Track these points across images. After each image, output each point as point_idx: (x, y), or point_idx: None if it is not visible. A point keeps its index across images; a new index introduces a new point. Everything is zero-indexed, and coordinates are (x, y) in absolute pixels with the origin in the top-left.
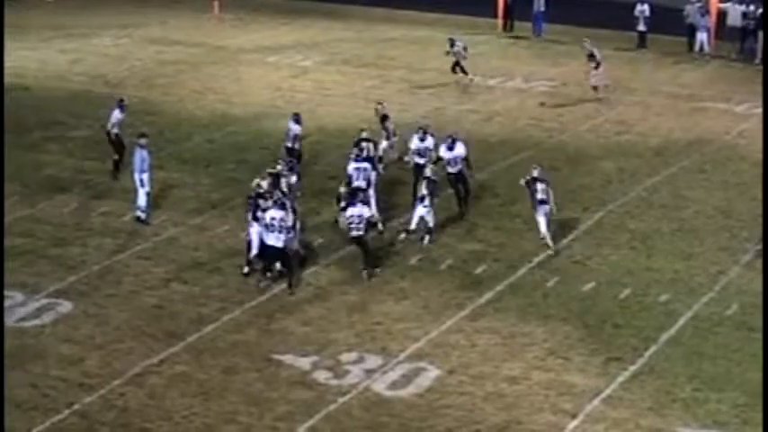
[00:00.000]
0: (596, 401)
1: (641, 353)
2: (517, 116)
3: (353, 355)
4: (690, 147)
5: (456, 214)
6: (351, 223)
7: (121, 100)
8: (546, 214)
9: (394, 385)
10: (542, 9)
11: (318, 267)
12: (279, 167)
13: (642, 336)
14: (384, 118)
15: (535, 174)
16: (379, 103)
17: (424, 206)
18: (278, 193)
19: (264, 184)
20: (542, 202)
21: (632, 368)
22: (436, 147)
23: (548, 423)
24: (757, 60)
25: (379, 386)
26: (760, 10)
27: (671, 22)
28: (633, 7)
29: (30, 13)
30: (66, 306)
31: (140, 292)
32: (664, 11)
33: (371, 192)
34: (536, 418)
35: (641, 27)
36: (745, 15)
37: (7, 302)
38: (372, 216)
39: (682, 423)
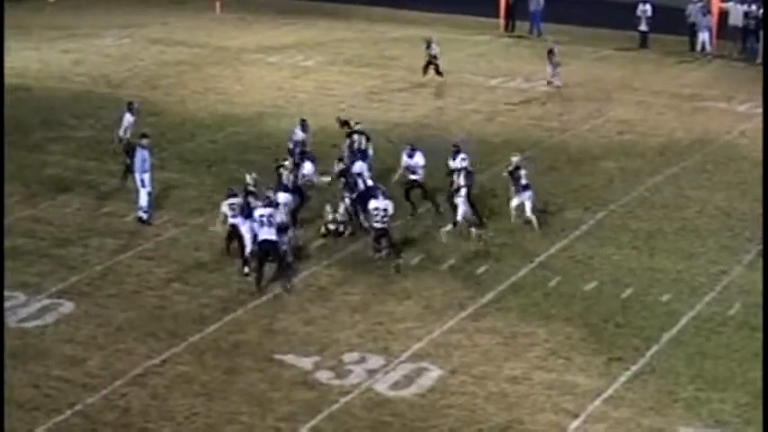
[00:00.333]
0: (598, 401)
1: (643, 353)
2: (519, 116)
3: (355, 355)
4: (692, 146)
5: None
6: (376, 216)
7: (131, 103)
8: (530, 198)
9: (396, 385)
10: (540, 8)
11: (320, 267)
12: (286, 163)
13: (644, 335)
14: (345, 124)
15: (515, 160)
16: (342, 110)
17: (459, 197)
18: (270, 192)
19: (250, 179)
20: (526, 187)
21: (634, 368)
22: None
23: (549, 423)
24: (759, 60)
25: (382, 386)
26: (761, 10)
27: (673, 22)
28: (635, 7)
29: (32, 14)
30: (68, 306)
31: (142, 292)
32: (665, 10)
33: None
34: (538, 418)
35: (643, 27)
36: (746, 15)
37: (9, 303)
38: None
39: (684, 423)
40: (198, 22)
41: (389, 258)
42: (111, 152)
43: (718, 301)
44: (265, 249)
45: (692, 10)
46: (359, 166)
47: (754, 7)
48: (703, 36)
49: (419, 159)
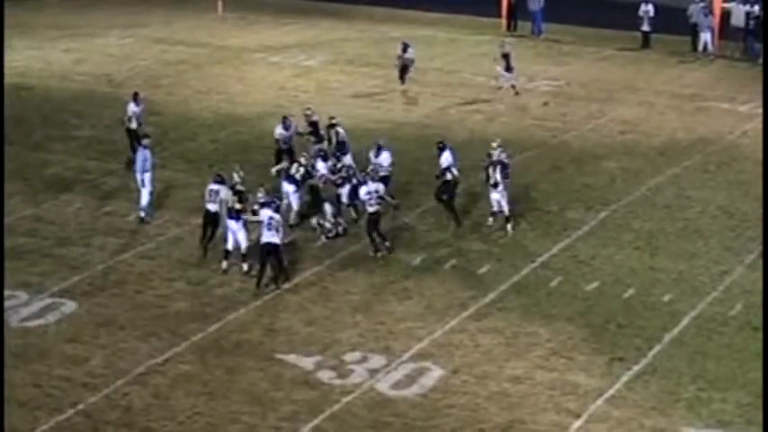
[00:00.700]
0: (600, 401)
1: (645, 353)
2: (521, 116)
3: (357, 355)
4: (694, 146)
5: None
6: (370, 199)
7: (136, 93)
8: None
9: (398, 385)
10: (540, 7)
11: (322, 267)
12: (302, 160)
13: (646, 335)
14: (313, 124)
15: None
16: (308, 109)
17: (498, 191)
18: (263, 192)
19: (238, 177)
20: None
21: (636, 368)
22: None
23: (551, 423)
24: (760, 60)
25: (383, 386)
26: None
27: (675, 22)
28: (637, 7)
29: (34, 13)
30: (70, 306)
31: (144, 291)
32: (667, 11)
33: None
34: (540, 418)
35: (645, 27)
36: (748, 15)
37: (11, 302)
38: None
39: (685, 423)
40: (200, 22)
41: (381, 244)
42: (112, 151)
43: (720, 301)
44: (267, 251)
45: (694, 10)
46: (348, 159)
47: (756, 8)
48: (705, 36)
49: (385, 159)
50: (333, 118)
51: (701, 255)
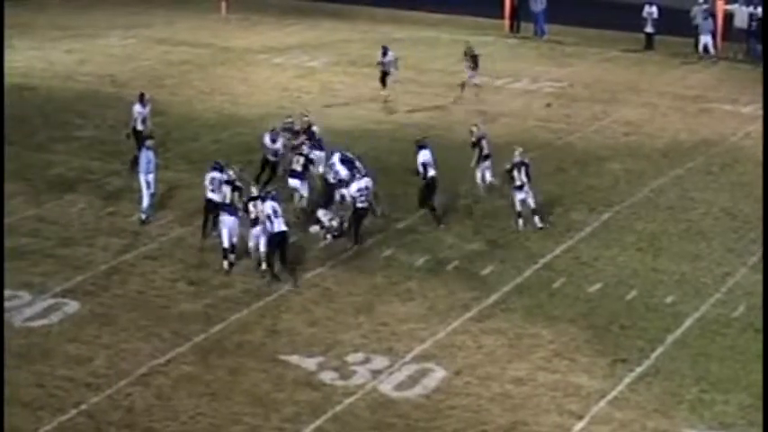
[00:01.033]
0: (602, 403)
1: (647, 354)
2: (524, 117)
3: (360, 356)
4: (696, 148)
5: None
6: (361, 195)
7: (142, 94)
8: (488, 168)
9: (400, 386)
10: (543, 8)
11: (324, 268)
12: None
13: (648, 337)
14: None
15: (476, 131)
16: (305, 116)
17: (525, 191)
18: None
19: (234, 173)
20: (487, 157)
21: (638, 369)
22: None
23: (554, 424)
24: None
25: (386, 387)
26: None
27: (678, 24)
28: (640, 9)
29: (37, 13)
30: (72, 306)
31: (147, 292)
32: (671, 12)
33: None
34: (542, 420)
35: (649, 29)
36: (751, 17)
37: (14, 302)
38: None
39: (688, 425)
40: (203, 23)
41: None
42: (115, 152)
43: (722, 302)
44: (278, 241)
45: (697, 12)
46: (336, 157)
47: (760, 9)
48: (705, 39)
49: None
50: (306, 116)
51: (703, 256)
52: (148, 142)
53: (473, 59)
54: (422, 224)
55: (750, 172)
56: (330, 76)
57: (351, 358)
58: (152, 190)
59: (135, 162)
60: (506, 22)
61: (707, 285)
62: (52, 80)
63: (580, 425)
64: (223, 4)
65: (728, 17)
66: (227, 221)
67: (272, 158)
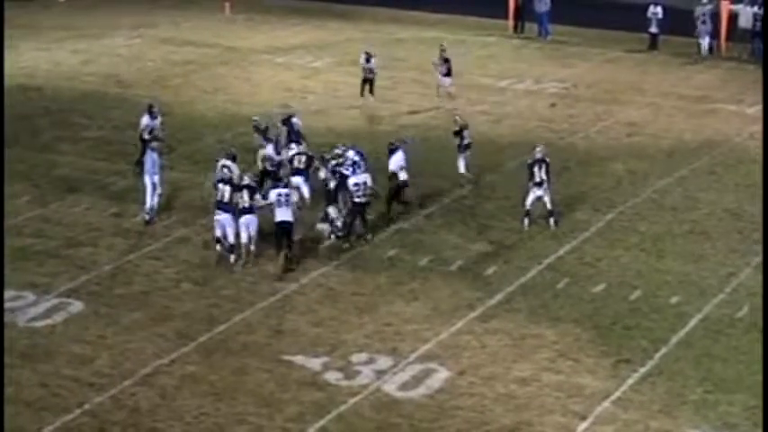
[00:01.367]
0: (606, 403)
1: (651, 355)
2: (528, 118)
3: (364, 356)
4: (701, 148)
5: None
6: (357, 190)
7: (151, 105)
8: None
9: (404, 386)
10: (547, 9)
11: (329, 268)
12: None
13: (652, 337)
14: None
15: (460, 121)
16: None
17: (543, 189)
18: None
19: (229, 168)
20: (467, 146)
21: (642, 370)
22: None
23: (558, 425)
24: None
25: (390, 387)
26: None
27: (683, 24)
28: (644, 9)
29: (42, 14)
30: (77, 306)
31: (151, 292)
32: (675, 12)
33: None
34: (546, 420)
35: (653, 29)
36: (755, 17)
37: (18, 302)
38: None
39: (692, 425)
40: (207, 23)
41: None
42: (120, 152)
43: (726, 303)
44: (282, 230)
45: (701, 12)
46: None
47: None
48: (704, 42)
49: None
50: (288, 106)
51: (707, 257)
52: (154, 143)
53: (446, 64)
54: (426, 224)
55: (754, 172)
56: (334, 77)
57: (355, 358)
58: (159, 191)
59: (139, 164)
60: (510, 22)
61: (711, 286)
62: (57, 80)
63: (584, 425)
64: (227, 5)
65: (733, 17)
66: (222, 219)
67: (271, 168)
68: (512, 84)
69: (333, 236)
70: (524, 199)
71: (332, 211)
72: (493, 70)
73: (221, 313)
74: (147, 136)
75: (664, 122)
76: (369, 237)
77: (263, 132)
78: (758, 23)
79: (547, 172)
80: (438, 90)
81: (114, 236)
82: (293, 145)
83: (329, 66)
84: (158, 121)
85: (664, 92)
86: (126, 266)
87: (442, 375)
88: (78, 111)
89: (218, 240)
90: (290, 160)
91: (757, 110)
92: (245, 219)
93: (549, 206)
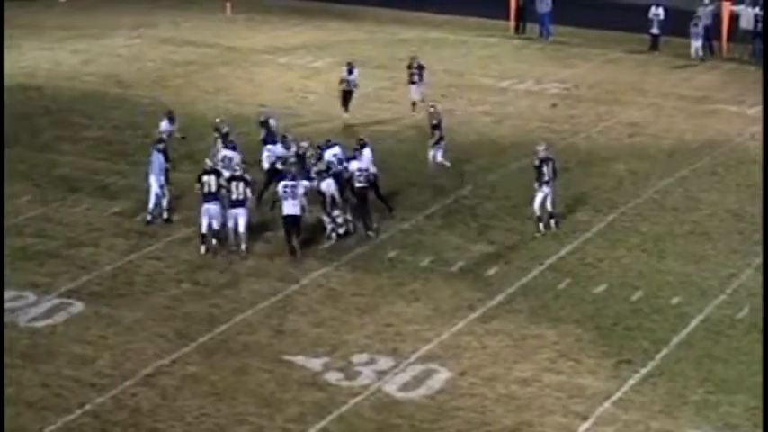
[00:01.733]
0: (607, 404)
1: (652, 355)
2: (529, 118)
3: (365, 357)
4: (702, 149)
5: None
6: (360, 175)
7: (170, 112)
8: (441, 149)
9: (405, 387)
10: (548, 9)
11: (330, 269)
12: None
13: (653, 338)
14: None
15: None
16: (262, 106)
17: (550, 187)
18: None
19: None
20: (441, 139)
21: (643, 371)
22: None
23: (559, 425)
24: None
25: (391, 387)
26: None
27: (684, 25)
28: (645, 10)
29: (42, 14)
30: (77, 306)
31: (152, 292)
32: (677, 13)
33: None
34: (547, 421)
35: (655, 30)
36: (756, 18)
37: (19, 302)
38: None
39: (693, 426)
40: (208, 23)
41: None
42: (121, 152)
43: (727, 303)
44: (289, 223)
45: (703, 13)
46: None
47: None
48: (696, 44)
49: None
50: (263, 105)
51: (708, 257)
52: (159, 145)
53: (419, 71)
54: (427, 225)
55: (755, 173)
56: (335, 77)
57: (356, 359)
58: (162, 191)
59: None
60: (511, 23)
61: (712, 287)
62: (58, 80)
63: (585, 426)
64: (228, 5)
65: (735, 18)
66: (211, 210)
67: (281, 166)
68: (513, 84)
69: (334, 233)
70: (533, 203)
71: (336, 211)
72: (494, 71)
73: (222, 313)
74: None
75: (665, 123)
76: (372, 233)
77: (224, 136)
78: (759, 24)
79: (554, 170)
80: (414, 105)
81: (115, 236)
82: (269, 146)
83: (330, 66)
84: (175, 126)
85: (665, 92)
86: (127, 266)
87: (442, 376)
88: (78, 111)
89: (203, 235)
90: (302, 156)
91: (758, 110)
92: (234, 210)
93: (550, 207)
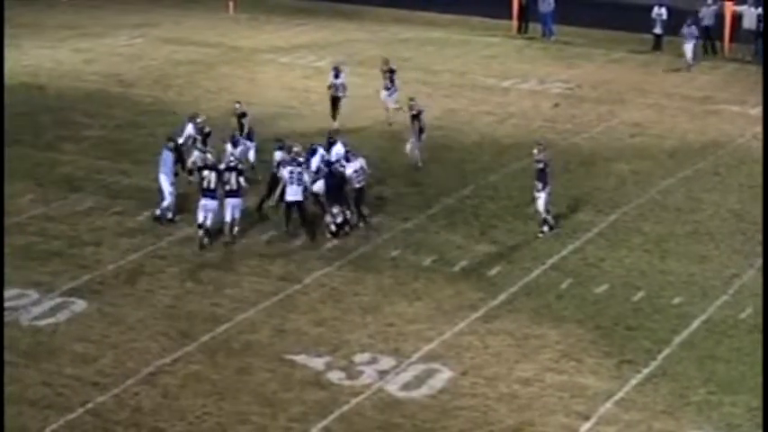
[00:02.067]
0: (609, 404)
1: (654, 355)
2: (531, 118)
3: (367, 356)
4: (704, 149)
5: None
6: (357, 176)
7: (195, 116)
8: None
9: (407, 386)
10: (551, 9)
11: (332, 268)
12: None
13: (655, 338)
14: (242, 115)
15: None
16: (238, 102)
17: (546, 191)
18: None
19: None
20: (422, 131)
21: (645, 371)
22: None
23: (560, 425)
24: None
25: (393, 387)
26: None
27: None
28: (648, 10)
29: (45, 13)
30: (80, 305)
31: (154, 291)
32: (680, 13)
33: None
34: (549, 420)
35: (658, 30)
36: (759, 18)
37: (22, 301)
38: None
39: (695, 426)
40: (211, 22)
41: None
42: (123, 151)
43: (729, 304)
44: (292, 208)
45: (706, 13)
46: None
47: None
48: (688, 46)
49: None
50: (238, 103)
51: (711, 258)
52: (170, 143)
53: (390, 75)
54: (429, 225)
55: (757, 173)
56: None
57: (358, 358)
58: (171, 190)
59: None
60: (514, 22)
61: (714, 287)
62: (60, 79)
63: (587, 426)
64: (231, 4)
65: (738, 18)
66: (208, 205)
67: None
68: (515, 84)
69: (332, 226)
70: (537, 205)
71: (335, 208)
72: (497, 70)
73: (224, 313)
74: (181, 140)
75: (667, 123)
76: (368, 224)
77: (205, 136)
78: (762, 24)
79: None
80: (389, 112)
81: (117, 235)
82: (248, 142)
83: (333, 66)
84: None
85: (667, 92)
86: (129, 265)
87: (444, 375)
88: (81, 110)
89: (200, 225)
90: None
91: (760, 111)
92: (231, 201)
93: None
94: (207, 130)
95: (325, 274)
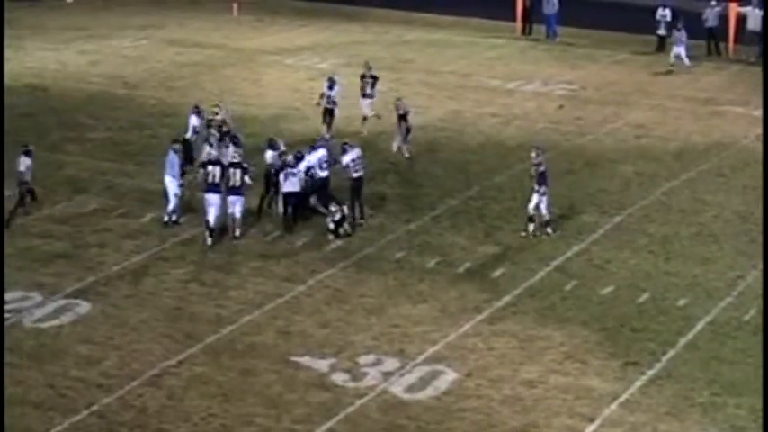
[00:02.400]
0: (614, 406)
1: (659, 357)
2: (535, 119)
3: (371, 358)
4: (708, 151)
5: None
6: (355, 165)
7: (197, 107)
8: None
9: (411, 388)
10: (555, 11)
11: (336, 269)
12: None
13: (660, 340)
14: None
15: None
16: (216, 105)
17: (542, 193)
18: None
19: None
20: (408, 130)
21: (650, 372)
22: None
23: (565, 427)
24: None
25: (397, 389)
26: None
27: (691, 26)
28: (652, 11)
29: (49, 14)
30: (84, 306)
31: (159, 293)
32: (684, 14)
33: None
34: (553, 422)
35: (661, 31)
36: (763, 20)
37: (25, 303)
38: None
39: (700, 428)
40: (215, 24)
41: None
42: (127, 153)
43: (734, 305)
44: (290, 200)
45: (710, 14)
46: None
47: None
48: (678, 50)
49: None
50: (216, 105)
51: (715, 259)
52: (175, 146)
53: (372, 82)
54: (433, 226)
55: (761, 175)
56: (341, 78)
57: (362, 360)
58: (177, 192)
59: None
60: (518, 24)
61: (718, 288)
62: (65, 81)
63: (591, 427)
64: (235, 6)
65: (742, 19)
66: (212, 199)
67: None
68: (520, 86)
69: (329, 220)
70: (539, 207)
71: (332, 206)
72: (501, 72)
73: (229, 314)
74: (189, 134)
75: (672, 124)
76: (362, 222)
77: (223, 134)
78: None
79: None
80: (365, 119)
81: (122, 236)
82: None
83: (336, 67)
84: (201, 122)
85: (671, 94)
86: (133, 267)
87: (449, 377)
88: (85, 111)
89: (207, 224)
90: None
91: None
92: (232, 198)
93: (531, 211)
94: (225, 128)
95: (330, 276)
